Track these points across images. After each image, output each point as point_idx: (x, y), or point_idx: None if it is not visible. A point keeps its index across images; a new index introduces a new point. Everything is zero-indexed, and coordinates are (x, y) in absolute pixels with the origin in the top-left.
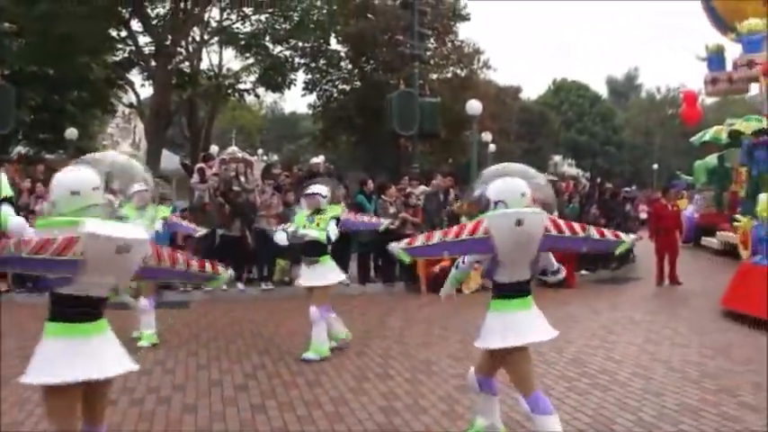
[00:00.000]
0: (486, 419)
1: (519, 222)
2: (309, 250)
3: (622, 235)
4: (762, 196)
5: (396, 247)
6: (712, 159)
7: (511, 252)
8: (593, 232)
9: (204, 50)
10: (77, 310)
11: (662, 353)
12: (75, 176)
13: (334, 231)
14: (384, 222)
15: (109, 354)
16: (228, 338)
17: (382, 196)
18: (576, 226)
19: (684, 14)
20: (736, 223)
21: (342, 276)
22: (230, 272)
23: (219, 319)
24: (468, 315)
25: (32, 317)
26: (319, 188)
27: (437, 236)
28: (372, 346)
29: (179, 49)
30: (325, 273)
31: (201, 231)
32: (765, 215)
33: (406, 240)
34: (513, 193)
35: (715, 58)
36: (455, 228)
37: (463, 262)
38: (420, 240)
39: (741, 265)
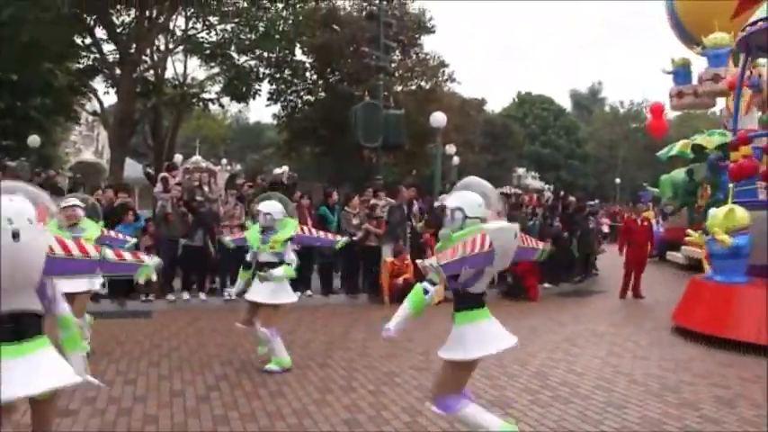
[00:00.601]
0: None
1: (516, 235)
2: (264, 266)
3: (540, 244)
4: (712, 211)
5: (429, 264)
6: (678, 174)
7: (498, 264)
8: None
9: (169, 59)
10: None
11: (624, 366)
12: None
13: (292, 259)
14: (341, 240)
15: (42, 369)
16: (191, 349)
17: (346, 208)
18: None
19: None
20: (687, 238)
21: (294, 298)
22: (156, 259)
23: (182, 330)
24: (432, 327)
25: None
26: (272, 207)
27: (460, 250)
28: (335, 357)
29: (144, 57)
30: (278, 291)
31: (132, 242)
32: (716, 230)
33: (437, 257)
34: (471, 201)
35: (681, 72)
36: (469, 241)
37: (431, 284)
38: (448, 256)
39: (691, 280)
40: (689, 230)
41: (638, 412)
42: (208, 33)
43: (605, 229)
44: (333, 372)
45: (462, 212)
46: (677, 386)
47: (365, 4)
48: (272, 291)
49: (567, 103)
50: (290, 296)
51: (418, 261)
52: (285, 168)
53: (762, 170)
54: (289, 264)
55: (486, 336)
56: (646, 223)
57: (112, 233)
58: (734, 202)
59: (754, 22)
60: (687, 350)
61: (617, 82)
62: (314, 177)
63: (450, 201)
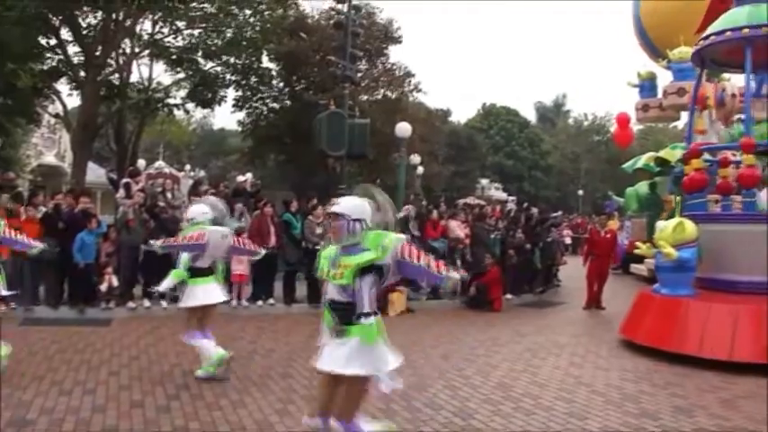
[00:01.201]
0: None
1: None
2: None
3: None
4: (660, 224)
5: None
6: (643, 187)
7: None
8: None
9: (134, 63)
10: None
11: (585, 376)
12: None
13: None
14: (261, 252)
15: None
16: (151, 358)
17: (309, 217)
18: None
19: (616, 42)
20: (636, 251)
21: (210, 299)
22: (42, 244)
23: (143, 338)
24: (393, 338)
25: None
26: (195, 211)
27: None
28: (298, 367)
29: (109, 60)
30: (195, 293)
31: (37, 247)
32: (662, 243)
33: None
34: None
35: (647, 85)
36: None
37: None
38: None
39: (639, 293)
40: (637, 243)
41: (599, 423)
42: (174, 38)
43: (567, 240)
44: (295, 382)
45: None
46: (637, 396)
47: (333, 12)
48: (191, 293)
49: (531, 116)
50: (205, 297)
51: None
52: (249, 175)
53: (719, 183)
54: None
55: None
56: (609, 235)
57: (20, 237)
58: (686, 216)
59: (707, 37)
60: (646, 361)
61: (581, 95)
62: (277, 185)
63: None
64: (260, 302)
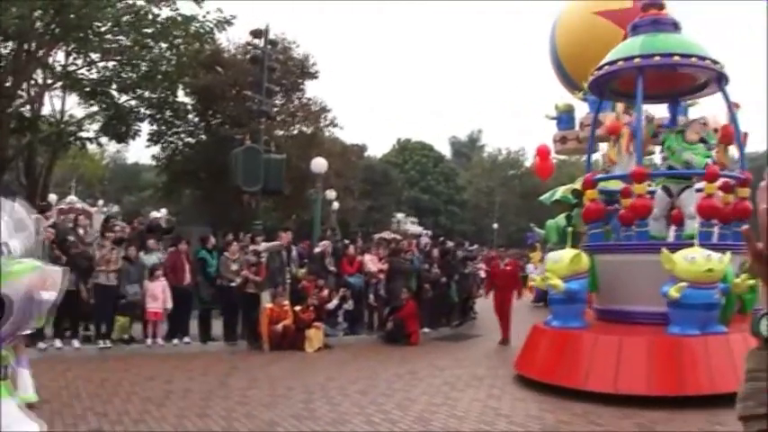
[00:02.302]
0: None
1: None
2: None
3: None
4: (551, 255)
5: None
6: (562, 219)
7: None
8: None
9: (47, 95)
10: None
11: (504, 408)
12: None
13: None
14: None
15: None
16: (63, 401)
17: (225, 253)
18: None
19: (532, 75)
20: (531, 282)
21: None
22: None
23: (54, 381)
24: (312, 374)
25: None
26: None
27: None
28: (215, 407)
29: (20, 92)
30: None
31: None
32: (549, 274)
33: None
34: None
35: (564, 117)
36: None
37: None
38: None
39: (533, 326)
40: (532, 275)
41: None
42: (88, 70)
43: (482, 273)
44: (212, 422)
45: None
46: (556, 426)
47: (249, 47)
48: None
49: (446, 150)
50: None
51: None
52: (164, 211)
53: (621, 213)
54: None
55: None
56: (509, 268)
57: None
58: (585, 246)
59: (601, 67)
60: (563, 391)
61: (497, 129)
62: (193, 221)
63: None
64: (175, 341)
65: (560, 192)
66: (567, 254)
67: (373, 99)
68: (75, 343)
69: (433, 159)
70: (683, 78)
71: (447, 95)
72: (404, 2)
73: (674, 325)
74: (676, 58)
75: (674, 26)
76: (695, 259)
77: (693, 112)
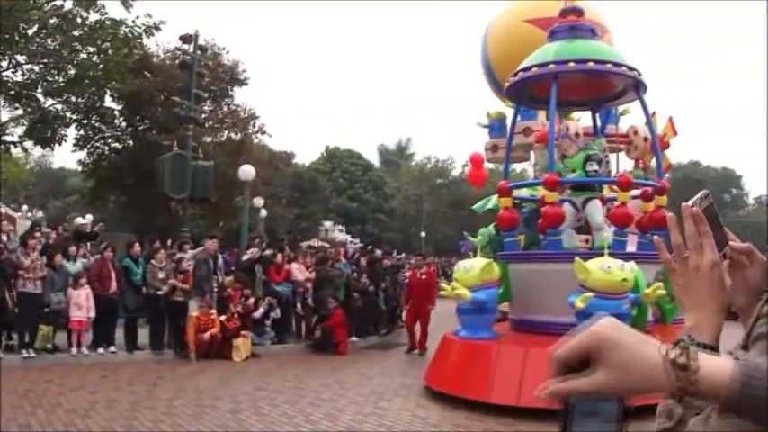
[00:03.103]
0: None
1: None
2: None
3: None
4: (461, 264)
5: None
6: (493, 228)
7: None
8: None
9: None
10: None
11: (433, 417)
12: None
13: None
14: None
15: None
16: None
17: (152, 261)
18: None
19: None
20: (441, 291)
21: None
22: None
23: None
24: (239, 384)
25: None
26: None
27: None
28: (141, 418)
29: None
30: None
31: None
32: (455, 284)
33: None
34: None
35: (496, 125)
36: None
37: None
38: None
39: (442, 337)
40: (442, 284)
41: None
42: (14, 73)
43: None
44: None
45: None
46: None
47: (179, 52)
48: None
49: (375, 158)
50: None
51: None
52: (89, 217)
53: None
54: None
55: None
56: (425, 277)
57: None
58: (500, 255)
59: (516, 73)
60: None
61: (426, 138)
62: (119, 227)
63: None
64: (101, 350)
65: (493, 201)
66: (477, 263)
67: (301, 106)
68: None
69: (362, 167)
70: (607, 85)
71: (376, 103)
72: (332, 7)
73: None
74: (591, 64)
75: (592, 32)
76: (611, 269)
77: (625, 122)
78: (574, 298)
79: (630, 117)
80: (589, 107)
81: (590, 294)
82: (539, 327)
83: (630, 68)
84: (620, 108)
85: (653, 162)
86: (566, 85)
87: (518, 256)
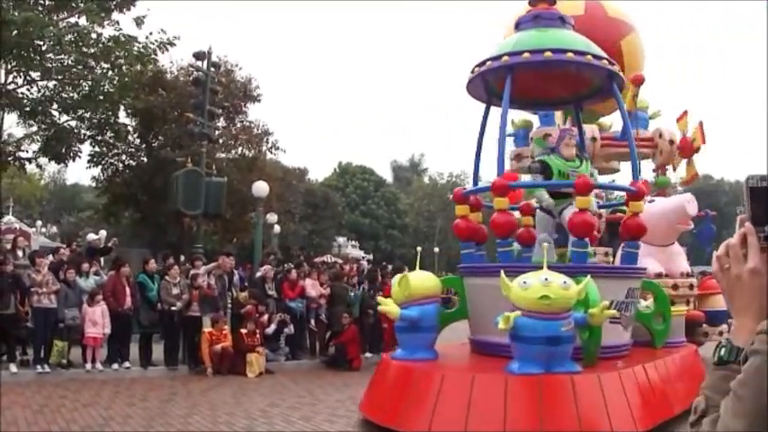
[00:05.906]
0: None
1: None
2: None
3: None
4: (394, 278)
5: None
6: None
7: None
8: None
9: None
10: None
11: None
12: None
13: None
14: None
15: None
16: None
17: (166, 277)
18: None
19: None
20: (379, 307)
21: None
22: None
23: None
24: (253, 400)
25: None
26: None
27: None
28: None
29: None
30: None
31: None
32: (383, 300)
33: None
34: None
35: (522, 133)
36: None
37: None
38: None
39: (382, 357)
40: (380, 299)
41: None
42: (28, 89)
43: None
44: None
45: None
46: None
47: (192, 69)
48: None
49: (387, 174)
50: None
51: None
52: (103, 233)
53: (520, 231)
54: None
55: None
56: None
57: None
58: (460, 268)
59: (473, 69)
60: None
61: (439, 153)
62: (131, 243)
63: None
64: (115, 365)
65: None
66: (396, 277)
67: (314, 122)
68: (13, 367)
69: (374, 183)
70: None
71: (389, 118)
72: (346, 23)
73: (514, 361)
74: (548, 54)
75: (561, 20)
76: (527, 285)
77: (654, 124)
78: (499, 318)
79: (660, 120)
80: (571, 105)
81: (516, 313)
82: (493, 349)
83: (597, 57)
84: (650, 111)
85: (681, 168)
86: (545, 81)
87: (471, 270)
